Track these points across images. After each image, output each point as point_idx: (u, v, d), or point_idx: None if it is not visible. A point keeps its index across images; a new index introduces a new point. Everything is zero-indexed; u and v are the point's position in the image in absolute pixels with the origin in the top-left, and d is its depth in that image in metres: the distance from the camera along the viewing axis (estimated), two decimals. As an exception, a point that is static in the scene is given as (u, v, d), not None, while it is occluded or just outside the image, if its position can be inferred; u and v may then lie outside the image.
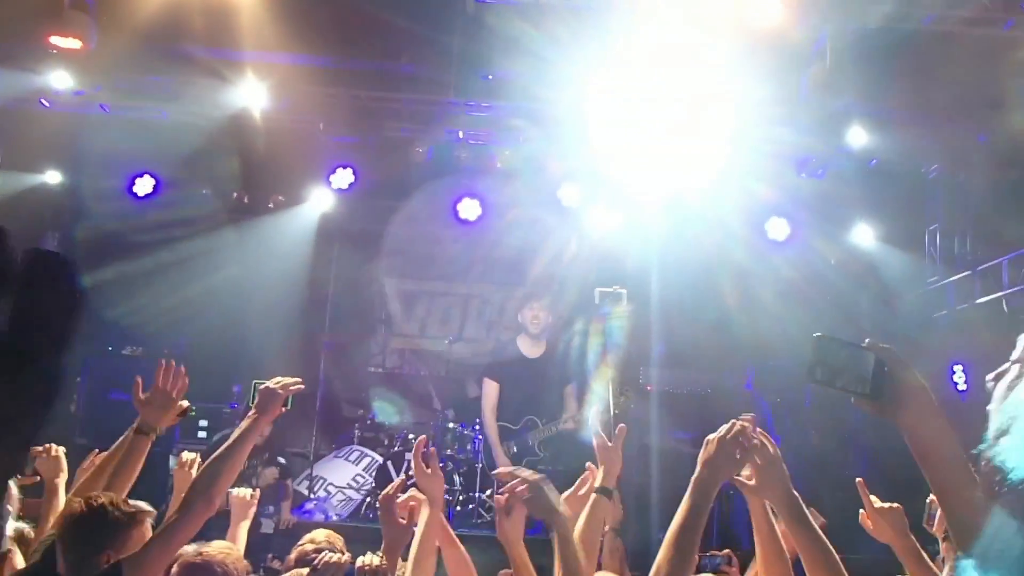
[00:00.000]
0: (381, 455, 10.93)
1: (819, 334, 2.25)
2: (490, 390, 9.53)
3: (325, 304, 12.04)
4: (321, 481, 10.96)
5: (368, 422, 11.51)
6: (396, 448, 10.79)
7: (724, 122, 9.51)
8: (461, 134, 11.32)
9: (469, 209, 11.56)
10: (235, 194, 11.72)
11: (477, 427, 10.19)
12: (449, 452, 10.33)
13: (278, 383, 4.06)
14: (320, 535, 4.65)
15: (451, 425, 10.63)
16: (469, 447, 10.46)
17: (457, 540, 3.89)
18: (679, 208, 10.78)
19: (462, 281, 13.29)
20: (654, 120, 9.30)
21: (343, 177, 11.44)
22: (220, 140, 10.95)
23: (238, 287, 11.61)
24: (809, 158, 11.22)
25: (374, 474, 10.76)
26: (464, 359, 12.26)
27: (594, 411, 8.52)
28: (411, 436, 10.75)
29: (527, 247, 12.53)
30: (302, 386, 4.07)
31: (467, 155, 11.38)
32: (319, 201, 11.83)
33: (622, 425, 4.06)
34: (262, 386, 4.06)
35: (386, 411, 11.81)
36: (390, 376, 12.84)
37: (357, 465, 11.04)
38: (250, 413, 4.00)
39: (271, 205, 11.80)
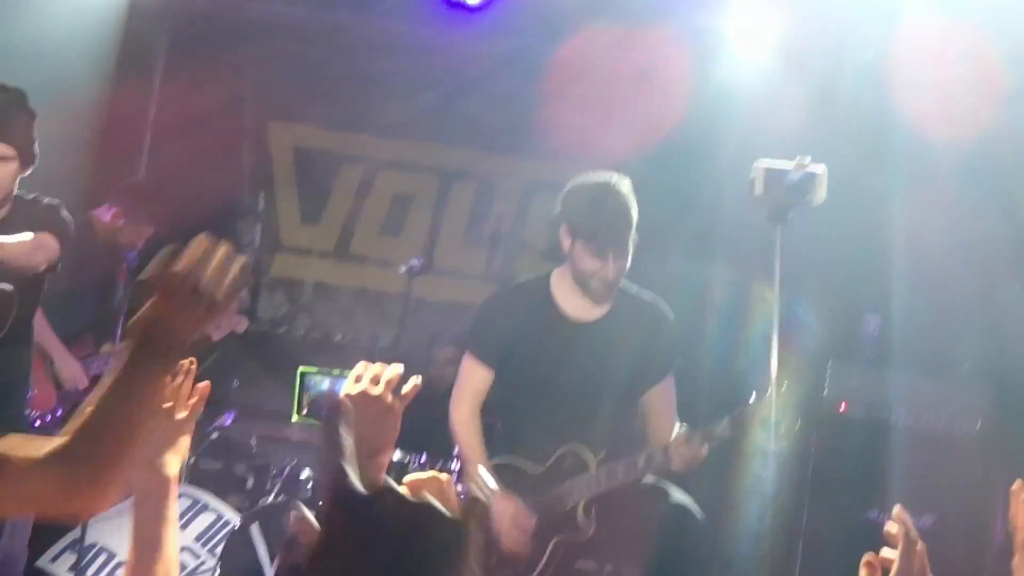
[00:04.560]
0: (240, 508, 6.11)
1: None
2: (473, 379, 5.05)
3: (132, 163, 7.31)
4: (101, 555, 5.99)
5: (216, 434, 6.32)
6: (273, 497, 6.04)
7: None
8: None
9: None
10: None
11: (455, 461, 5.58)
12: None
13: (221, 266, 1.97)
14: None
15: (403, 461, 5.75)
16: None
17: None
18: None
19: (442, 142, 7.83)
20: None
21: None
22: None
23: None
24: None
25: (222, 550, 5.91)
26: (436, 308, 7.29)
27: (721, 431, 4.44)
28: (304, 475, 6.06)
29: (592, 69, 6.85)
30: None
31: None
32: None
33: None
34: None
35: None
36: (264, 338, 7.45)
37: (184, 529, 6.06)
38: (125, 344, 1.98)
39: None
